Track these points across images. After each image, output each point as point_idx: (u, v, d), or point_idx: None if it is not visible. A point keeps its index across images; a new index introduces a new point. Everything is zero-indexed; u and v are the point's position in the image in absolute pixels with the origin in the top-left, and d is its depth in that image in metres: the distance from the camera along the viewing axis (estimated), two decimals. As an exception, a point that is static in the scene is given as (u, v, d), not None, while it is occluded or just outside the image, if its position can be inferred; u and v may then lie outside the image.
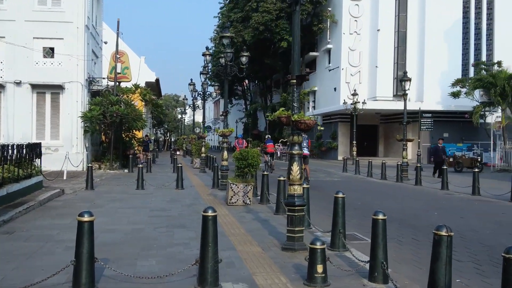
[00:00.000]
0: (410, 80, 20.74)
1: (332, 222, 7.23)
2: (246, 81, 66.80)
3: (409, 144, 39.79)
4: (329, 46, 43.81)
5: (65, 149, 22.02)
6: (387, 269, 5.42)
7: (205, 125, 28.70)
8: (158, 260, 6.45)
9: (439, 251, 4.36)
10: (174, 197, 13.32)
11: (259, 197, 12.67)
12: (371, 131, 42.78)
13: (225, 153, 15.18)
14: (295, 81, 7.33)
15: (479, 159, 27.48)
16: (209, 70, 27.37)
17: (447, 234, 4.36)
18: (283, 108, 7.91)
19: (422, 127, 33.39)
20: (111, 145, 23.77)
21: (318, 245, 5.27)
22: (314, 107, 48.43)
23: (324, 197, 13.82)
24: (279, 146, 42.53)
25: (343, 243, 7.05)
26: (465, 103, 34.45)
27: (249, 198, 11.76)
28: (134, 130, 26.34)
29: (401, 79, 20.92)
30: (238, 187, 11.66)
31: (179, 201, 12.48)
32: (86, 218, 5.06)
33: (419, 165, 19.68)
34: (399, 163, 20.12)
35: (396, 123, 40.50)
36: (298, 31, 7.36)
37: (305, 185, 9.24)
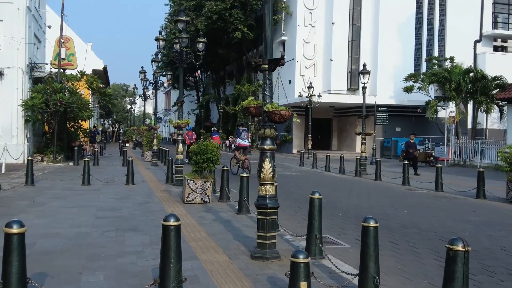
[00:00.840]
0: (369, 73, 20.33)
1: (307, 227, 6.43)
2: (199, 71, 65.34)
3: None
4: (283, 38, 43.19)
5: (4, 140, 20.33)
6: (379, 284, 4.67)
7: (156, 116, 27.33)
8: (106, 274, 5.43)
9: (455, 269, 3.62)
10: (124, 194, 12.19)
11: (217, 194, 11.75)
12: (325, 124, 42.61)
13: (180, 146, 14.15)
14: (266, 66, 6.50)
15: (433, 154, 27.62)
16: (161, 58, 26.04)
17: (464, 250, 3.62)
18: (253, 98, 7.07)
19: (377, 121, 33.34)
20: (54, 136, 22.16)
21: (301, 259, 4.38)
22: (268, 100, 47.71)
23: (286, 193, 13.09)
24: (233, 138, 41.62)
25: (320, 250, 6.26)
26: (418, 98, 34.72)
27: (208, 196, 10.83)
28: (80, 120, 24.73)
29: (360, 72, 20.47)
30: (196, 184, 10.70)
31: (130, 199, 11.38)
32: (15, 229, 3.99)
33: (378, 159, 19.32)
34: (358, 157, 19.67)
35: (349, 117, 40.51)
36: (271, 8, 6.52)
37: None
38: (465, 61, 32.66)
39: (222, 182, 11.19)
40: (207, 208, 10.13)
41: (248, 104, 6.55)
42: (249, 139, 19.37)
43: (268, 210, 6.12)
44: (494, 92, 26.36)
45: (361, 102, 37.26)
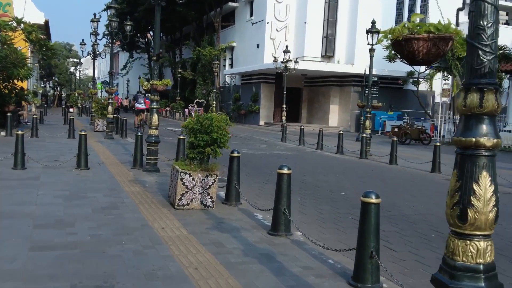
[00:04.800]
0: (378, 32, 16.78)
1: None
2: (151, 32, 59.64)
3: (336, 109, 36.94)
4: (252, -5, 38.90)
5: None
6: None
7: (102, 81, 23.12)
8: None
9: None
10: (76, 188, 8.18)
11: (219, 192, 7.97)
12: (294, 94, 38.98)
13: (155, 116, 10.14)
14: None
15: (426, 130, 24.74)
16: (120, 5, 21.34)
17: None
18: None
19: (365, 92, 29.91)
20: (-21, 99, 17.42)
21: None
22: (231, 65, 43.60)
23: (306, 187, 9.46)
24: (193, 106, 37.46)
25: None
26: (400, 68, 31.71)
27: (212, 198, 7.05)
28: (15, 80, 19.95)
29: (368, 30, 16.85)
30: (194, 179, 6.87)
31: (86, 199, 7.41)
32: None
33: (364, 135, 15.89)
34: (363, 134, 16.25)
35: (322, 87, 37.15)
36: None
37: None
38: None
39: (231, 175, 7.40)
40: (215, 220, 6.37)
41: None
42: (145, 103, 21.82)
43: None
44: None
45: (338, 70, 34.56)
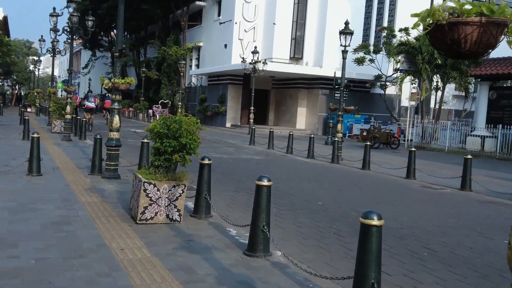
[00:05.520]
0: (352, 33, 16.31)
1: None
2: (115, 30, 57.97)
3: (304, 112, 36.45)
4: (220, -5, 38.08)
5: None
6: None
7: (62, 80, 22.06)
8: None
9: None
10: (25, 198, 7.25)
11: (187, 202, 7.17)
12: (262, 96, 38.33)
13: (117, 118, 9.26)
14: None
15: (395, 134, 24.53)
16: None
17: None
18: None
19: (335, 95, 29.48)
20: None
21: None
22: (198, 66, 42.65)
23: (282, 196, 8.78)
24: (158, 107, 36.39)
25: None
26: (368, 72, 31.60)
27: (179, 211, 6.26)
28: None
29: (341, 31, 16.31)
30: (159, 190, 6.09)
31: (35, 211, 6.50)
32: None
33: (337, 139, 15.31)
34: (335, 139, 15.69)
35: (290, 89, 36.68)
36: None
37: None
38: (413, 34, 29.65)
39: (201, 184, 6.63)
40: (183, 238, 5.60)
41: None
42: (95, 103, 23.90)
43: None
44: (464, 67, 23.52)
45: (306, 73, 34.06)
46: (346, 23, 16.42)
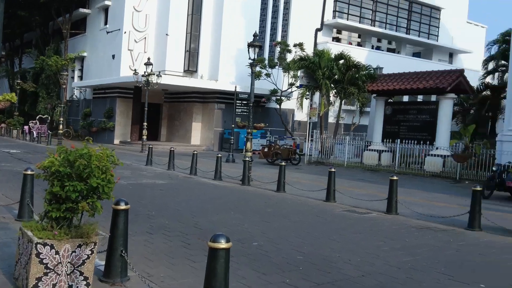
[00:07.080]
0: (259, 46, 15.30)
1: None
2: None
3: (199, 127, 34.99)
4: (106, 2, 35.33)
5: None
6: None
7: None
8: None
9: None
10: None
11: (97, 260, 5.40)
12: (153, 110, 36.20)
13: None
14: None
15: (295, 150, 24.03)
16: None
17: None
18: None
19: (237, 110, 28.34)
20: None
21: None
22: (81, 77, 39.34)
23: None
24: (35, 123, 32.72)
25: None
26: (264, 86, 31.07)
27: (87, 279, 4.54)
28: None
29: (250, 44, 15.17)
30: (59, 254, 4.33)
31: None
32: None
33: (248, 158, 14.21)
34: (245, 158, 14.47)
35: (184, 103, 35.07)
36: None
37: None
38: (306, 49, 29.82)
39: (115, 239, 4.93)
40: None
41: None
42: None
43: None
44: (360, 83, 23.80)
45: (202, 86, 32.67)
46: (255, 35, 15.40)
